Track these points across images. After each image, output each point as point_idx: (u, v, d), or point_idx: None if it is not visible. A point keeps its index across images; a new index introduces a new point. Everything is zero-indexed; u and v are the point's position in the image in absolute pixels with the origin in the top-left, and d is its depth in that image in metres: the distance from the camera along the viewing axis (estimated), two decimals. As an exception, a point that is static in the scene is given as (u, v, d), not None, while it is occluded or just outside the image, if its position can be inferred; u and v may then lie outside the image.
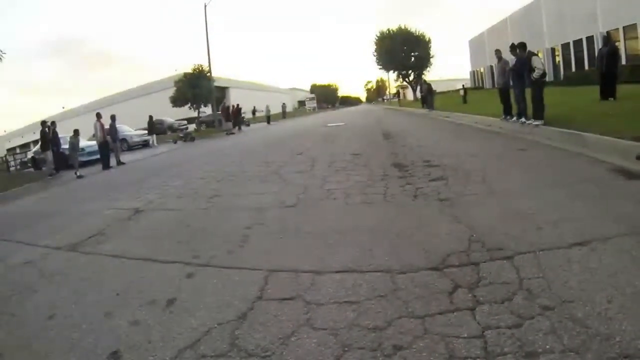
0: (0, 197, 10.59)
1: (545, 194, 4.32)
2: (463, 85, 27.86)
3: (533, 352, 1.89)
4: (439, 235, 3.54)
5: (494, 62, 33.62)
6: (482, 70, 45.17)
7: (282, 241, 3.96)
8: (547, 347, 1.91)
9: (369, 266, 3.08)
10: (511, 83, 10.28)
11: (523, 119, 9.52)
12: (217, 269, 3.46)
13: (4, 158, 28.83)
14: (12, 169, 24.30)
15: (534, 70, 8.71)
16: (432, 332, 2.15)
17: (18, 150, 38.94)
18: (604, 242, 2.92)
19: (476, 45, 46.62)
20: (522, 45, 9.49)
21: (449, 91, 48.11)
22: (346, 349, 2.12)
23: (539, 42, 28.26)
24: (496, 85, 12.67)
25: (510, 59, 10.33)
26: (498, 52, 11.73)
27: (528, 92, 9.18)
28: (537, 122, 8.71)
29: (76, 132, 13.77)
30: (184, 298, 2.97)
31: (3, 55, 15.46)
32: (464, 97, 24.29)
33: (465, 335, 2.08)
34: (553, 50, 28.84)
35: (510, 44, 10.11)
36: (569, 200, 3.97)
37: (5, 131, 60.32)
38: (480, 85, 45.08)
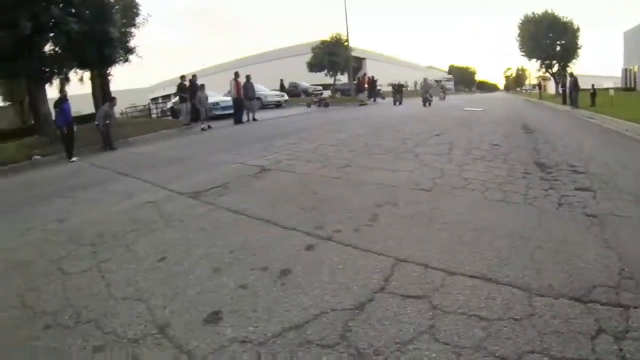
0: (137, 140, 11.94)
1: None
2: (593, 85, 24.27)
3: None
4: (584, 259, 2.84)
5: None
6: (635, 69, 38.18)
7: (414, 227, 3.55)
8: None
9: (505, 278, 2.58)
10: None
11: None
12: (340, 245, 3.18)
13: (147, 106, 32.98)
14: (153, 116, 27.80)
15: None
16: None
17: (160, 100, 43.75)
18: None
19: (633, 38, 39.22)
20: None
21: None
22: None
23: None
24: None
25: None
26: None
27: None
28: None
29: (202, 87, 14.72)
30: (299, 271, 2.77)
31: (149, 16, 18.15)
32: (593, 99, 21.21)
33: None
34: None
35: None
36: None
37: (150, 84, 68.54)
38: (633, 86, 38.20)
